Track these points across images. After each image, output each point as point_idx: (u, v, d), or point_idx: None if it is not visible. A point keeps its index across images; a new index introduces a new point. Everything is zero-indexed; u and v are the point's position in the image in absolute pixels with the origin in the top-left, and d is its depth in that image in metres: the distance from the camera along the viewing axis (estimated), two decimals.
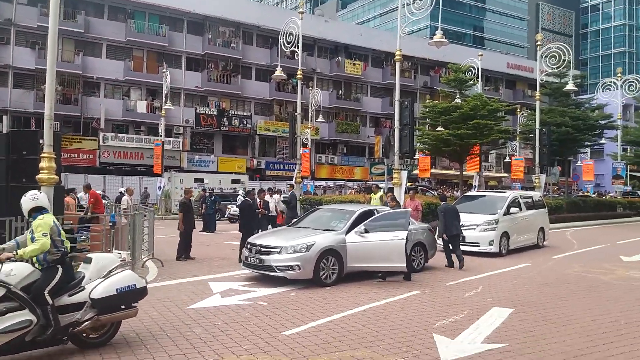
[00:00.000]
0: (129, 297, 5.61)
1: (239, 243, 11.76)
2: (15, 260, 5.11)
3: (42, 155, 8.31)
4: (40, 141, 8.86)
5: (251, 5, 43.69)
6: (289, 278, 8.91)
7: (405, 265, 9.27)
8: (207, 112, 37.88)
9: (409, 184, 23.59)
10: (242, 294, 8.29)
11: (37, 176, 8.30)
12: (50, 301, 5.02)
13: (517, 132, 33.51)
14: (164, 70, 29.90)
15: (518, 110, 35.70)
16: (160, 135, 29.55)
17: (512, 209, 14.08)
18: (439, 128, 25.03)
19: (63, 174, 23.94)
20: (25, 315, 4.85)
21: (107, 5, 35.94)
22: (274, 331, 6.20)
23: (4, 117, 31.14)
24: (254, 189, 13.99)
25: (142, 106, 36.43)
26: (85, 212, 12.53)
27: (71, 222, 10.33)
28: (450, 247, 11.39)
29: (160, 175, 28.23)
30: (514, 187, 36.24)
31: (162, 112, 29.34)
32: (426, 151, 26.50)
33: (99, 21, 35.67)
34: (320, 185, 31.08)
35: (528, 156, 34.19)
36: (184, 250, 12.10)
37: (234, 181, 32.31)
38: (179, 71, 37.62)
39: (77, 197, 18.50)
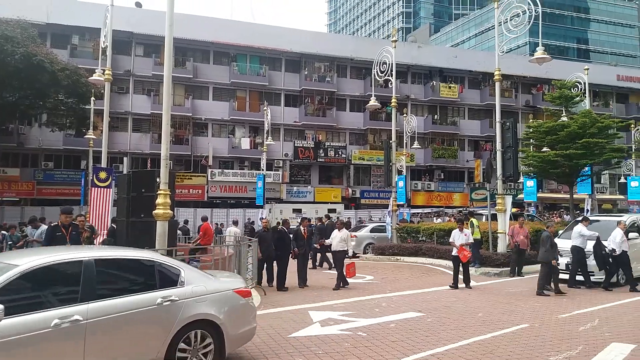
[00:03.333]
0: None
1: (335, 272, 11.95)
2: None
3: (159, 192, 9.13)
4: (157, 180, 9.75)
5: (345, 39, 45.13)
6: None
7: None
8: (304, 145, 39.22)
9: (514, 210, 22.49)
10: (342, 324, 8.35)
11: (154, 211, 9.11)
12: None
13: (632, 150, 30.59)
14: (265, 108, 31.56)
15: (632, 125, 32.62)
16: (262, 169, 30.95)
17: (631, 234, 12.80)
18: (545, 149, 23.67)
19: (175, 208, 26.01)
20: None
21: (212, 51, 38.91)
22: None
23: (125, 159, 34.53)
24: (287, 219, 14.42)
25: (245, 143, 38.60)
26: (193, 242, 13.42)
27: (182, 252, 11.15)
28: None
29: (262, 207, 29.49)
30: (632, 210, 32.99)
31: (264, 147, 30.80)
32: (531, 174, 25.12)
33: (206, 66, 38.69)
34: (418, 213, 30.51)
35: None
36: (275, 280, 12.47)
37: (330, 210, 32.83)
38: (278, 108, 39.49)
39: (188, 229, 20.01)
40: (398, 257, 18.85)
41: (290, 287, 12.24)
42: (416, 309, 9.59)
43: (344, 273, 12.12)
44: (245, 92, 39.66)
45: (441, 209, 32.95)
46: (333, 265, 13.27)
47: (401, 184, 26.75)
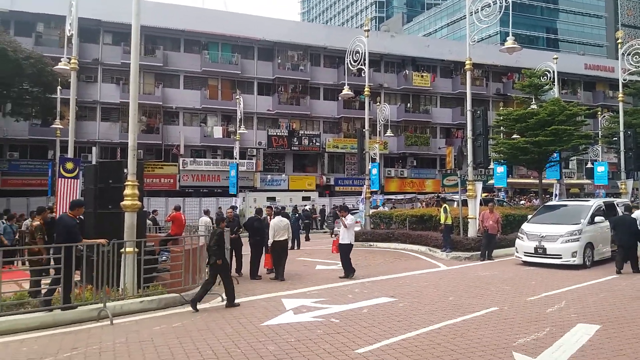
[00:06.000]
0: None
1: (310, 259, 11.83)
2: None
3: (127, 183, 8.92)
4: (125, 170, 9.52)
5: (318, 28, 44.89)
6: None
7: None
8: (278, 134, 39.02)
9: (484, 195, 22.87)
10: (314, 311, 8.34)
11: (122, 203, 8.90)
12: None
13: (598, 136, 31.40)
14: (238, 96, 31.19)
15: (599, 113, 33.44)
16: (235, 158, 30.69)
17: (597, 218, 13.23)
18: (515, 136, 24.09)
19: (145, 197, 25.58)
20: None
21: (183, 39, 38.19)
22: (346, 349, 6.17)
23: (93, 149, 33.71)
24: (260, 208, 13.89)
25: (218, 132, 38.15)
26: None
27: (153, 243, 10.93)
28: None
29: (235, 196, 29.32)
30: (598, 194, 33.97)
31: (237, 136, 30.50)
32: (502, 161, 25.54)
33: (176, 54, 37.96)
34: (390, 199, 30.77)
35: (612, 161, 31.96)
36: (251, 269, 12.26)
37: (305, 198, 32.93)
38: (251, 96, 39.08)
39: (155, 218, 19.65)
40: (371, 243, 19.00)
41: (263, 276, 12.18)
42: (388, 294, 9.66)
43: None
44: (217, 81, 39.13)
45: (414, 195, 33.27)
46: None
47: (375, 171, 26.91)
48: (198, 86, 38.44)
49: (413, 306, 8.59)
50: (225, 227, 10.17)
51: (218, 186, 36.53)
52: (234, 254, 12.33)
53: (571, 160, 41.13)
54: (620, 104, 22.85)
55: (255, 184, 38.07)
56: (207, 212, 18.48)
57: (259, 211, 12.95)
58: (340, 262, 12.34)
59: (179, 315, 8.43)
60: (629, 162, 21.64)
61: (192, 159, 37.04)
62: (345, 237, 11.95)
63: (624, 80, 23.49)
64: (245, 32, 38.49)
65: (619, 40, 22.47)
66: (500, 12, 15.52)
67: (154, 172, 35.64)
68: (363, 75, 21.46)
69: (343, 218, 12.15)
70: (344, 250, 11.95)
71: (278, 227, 11.78)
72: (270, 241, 11.74)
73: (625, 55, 22.09)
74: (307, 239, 23.74)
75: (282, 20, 42.06)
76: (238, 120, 30.37)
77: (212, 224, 14.85)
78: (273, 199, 31.87)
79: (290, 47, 40.40)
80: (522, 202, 32.50)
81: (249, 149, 38.46)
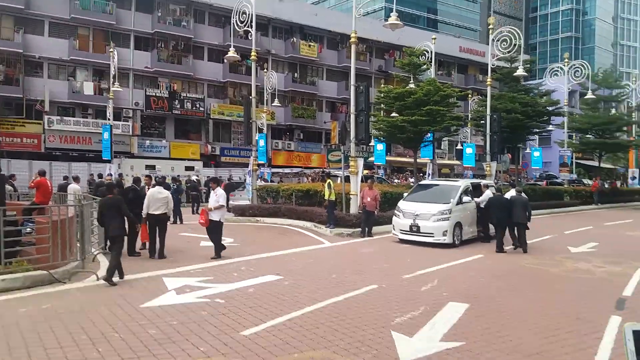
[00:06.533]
0: None
1: (194, 235, 11.38)
2: None
3: None
4: None
5: None
6: None
7: None
8: (157, 94, 36.68)
9: (365, 172, 23.72)
10: (199, 291, 8.11)
11: None
12: None
13: (468, 118, 33.83)
14: (111, 49, 28.61)
15: (470, 95, 35.98)
16: (109, 119, 28.38)
17: (465, 198, 14.13)
18: (394, 114, 24.87)
19: (5, 159, 22.62)
20: None
21: None
22: (231, 331, 6.09)
23: None
24: (138, 177, 13.08)
25: (88, 88, 34.89)
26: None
27: (14, 212, 9.77)
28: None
29: (109, 161, 27.19)
30: (466, 174, 36.70)
31: (110, 94, 28.17)
32: (381, 138, 26.45)
33: None
34: (278, 172, 30.72)
35: (479, 143, 34.63)
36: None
37: (188, 168, 31.54)
38: (127, 51, 36.15)
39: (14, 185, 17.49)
40: (258, 219, 18.83)
41: (143, 253, 11.54)
42: (274, 271, 9.69)
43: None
44: (89, 30, 35.52)
45: (301, 169, 33.52)
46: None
47: (262, 142, 26.51)
48: (66, 35, 34.59)
49: (298, 284, 8.73)
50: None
51: (90, 150, 33.56)
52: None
53: (443, 140, 44.03)
54: (489, 88, 24.51)
55: (133, 149, 35.57)
56: (76, 179, 16.81)
57: (136, 180, 12.12)
58: (226, 239, 12.06)
59: (48, 295, 7.75)
60: (493, 145, 23.41)
61: (59, 118, 33.50)
62: (219, 213, 11.22)
63: (493, 65, 25.31)
64: None
65: (490, 26, 23.94)
66: None
67: (14, 131, 31.78)
68: (250, 38, 20.70)
69: (212, 191, 11.53)
70: (214, 227, 11.14)
71: (154, 199, 10.93)
72: (144, 212, 10.93)
73: (495, 41, 23.58)
74: (194, 212, 23.04)
75: None
76: (112, 76, 27.96)
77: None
78: (153, 167, 30.11)
79: (173, 0, 37.82)
80: (397, 180, 34.12)
81: (124, 110, 35.74)
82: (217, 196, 11.28)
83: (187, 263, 10.50)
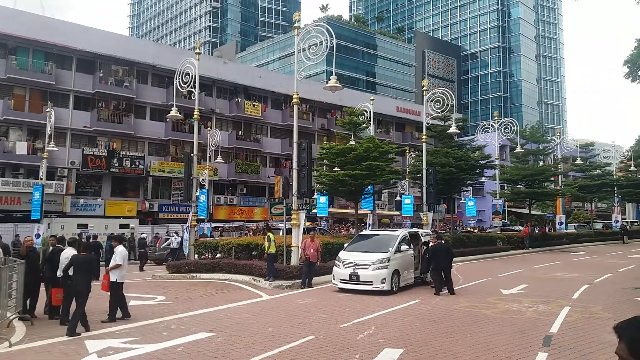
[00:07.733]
0: None
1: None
2: None
3: None
4: None
5: (146, 44, 42.78)
6: None
7: None
8: (95, 153, 35.66)
9: (307, 224, 23.77)
10: (123, 353, 7.59)
11: None
12: None
13: (406, 172, 35.12)
14: (48, 109, 27.82)
15: (407, 151, 37.60)
16: (41, 179, 27.15)
17: (403, 247, 14.43)
18: (336, 169, 25.56)
19: None
20: None
21: None
22: None
23: None
24: (62, 236, 12.46)
25: (22, 147, 33.51)
26: None
27: None
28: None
29: (38, 222, 25.73)
30: (405, 224, 37.75)
31: (45, 153, 27.14)
32: (324, 191, 26.92)
33: None
34: (218, 227, 30.17)
35: (417, 194, 35.75)
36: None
37: (122, 225, 30.38)
38: (66, 110, 35.37)
39: None
40: (194, 274, 18.20)
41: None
42: (207, 328, 9.26)
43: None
44: (25, 90, 34.66)
45: (242, 223, 33.16)
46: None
47: (203, 197, 26.30)
48: (0, 95, 33.52)
49: (232, 340, 8.35)
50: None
51: (18, 210, 31.85)
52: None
53: (383, 193, 45.19)
54: (424, 145, 25.84)
55: (65, 208, 34.02)
56: None
57: (60, 240, 11.47)
58: (157, 297, 11.50)
59: None
60: (430, 196, 24.43)
61: None
62: (116, 272, 10.35)
63: (427, 123, 26.74)
64: (63, 40, 34.87)
65: (424, 88, 25.65)
66: (326, 51, 16.55)
67: None
68: (193, 98, 20.95)
69: (115, 249, 10.70)
70: (112, 289, 10.27)
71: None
72: (59, 273, 10.00)
73: (429, 101, 25.18)
74: (142, 269, 22.07)
75: (105, 31, 38.83)
76: (47, 135, 27.08)
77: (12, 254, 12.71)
78: (85, 225, 28.86)
79: (115, 61, 37.68)
80: (343, 230, 34.56)
81: (59, 169, 34.42)
82: (115, 254, 10.55)
83: (113, 324, 9.84)
